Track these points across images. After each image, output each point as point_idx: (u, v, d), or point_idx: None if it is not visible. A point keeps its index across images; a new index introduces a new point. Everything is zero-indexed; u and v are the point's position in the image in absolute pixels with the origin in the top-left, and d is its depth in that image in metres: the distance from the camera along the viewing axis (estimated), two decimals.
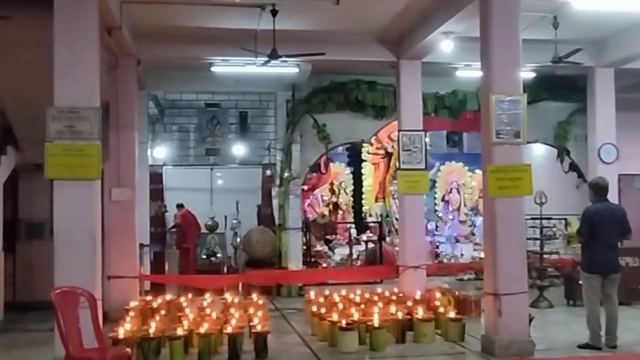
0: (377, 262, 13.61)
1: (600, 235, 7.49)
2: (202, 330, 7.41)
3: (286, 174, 12.98)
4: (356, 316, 8.07)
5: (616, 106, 12.42)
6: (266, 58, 9.30)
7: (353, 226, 15.57)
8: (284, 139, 13.18)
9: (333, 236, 15.33)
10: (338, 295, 9.67)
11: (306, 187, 14.59)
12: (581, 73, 12.37)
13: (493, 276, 7.38)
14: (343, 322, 7.78)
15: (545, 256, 11.12)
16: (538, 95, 13.47)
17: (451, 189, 16.79)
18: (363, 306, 8.96)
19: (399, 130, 10.94)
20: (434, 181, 16.26)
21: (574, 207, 12.17)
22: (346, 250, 14.31)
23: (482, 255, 9.37)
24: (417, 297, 9.46)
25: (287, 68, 10.82)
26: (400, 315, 8.26)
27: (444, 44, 9.73)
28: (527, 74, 11.26)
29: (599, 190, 7.75)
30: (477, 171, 15.55)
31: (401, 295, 9.93)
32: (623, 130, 12.83)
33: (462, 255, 15.06)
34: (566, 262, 11.51)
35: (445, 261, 14.71)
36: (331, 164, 15.89)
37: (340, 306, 8.88)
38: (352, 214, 16.37)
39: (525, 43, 7.74)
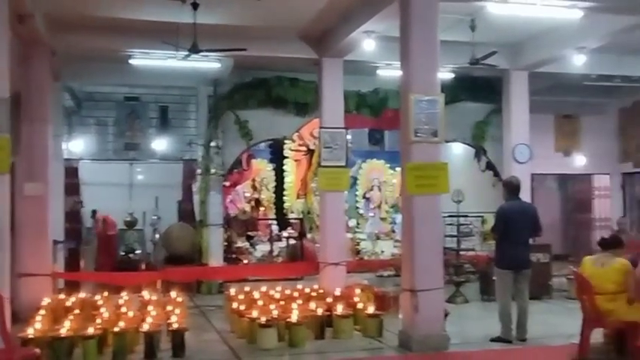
0: (298, 259, 13.65)
1: (513, 233, 7.75)
2: (117, 329, 7.23)
3: (213, 170, 12.80)
4: (275, 313, 8.06)
5: (530, 108, 12.85)
6: (187, 52, 9.15)
7: (275, 222, 15.56)
8: (205, 134, 13.00)
9: (255, 233, 15.26)
10: (258, 291, 9.63)
11: (227, 184, 14.47)
12: (498, 75, 12.75)
13: (410, 272, 7.52)
14: (262, 319, 7.76)
15: (461, 252, 11.44)
16: (457, 96, 13.74)
17: (372, 186, 16.98)
18: (282, 303, 8.96)
19: (321, 128, 10.99)
20: (355, 179, 16.42)
21: (490, 205, 12.49)
22: (267, 247, 14.29)
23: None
24: (337, 293, 9.52)
25: (208, 63, 10.67)
26: (320, 311, 8.31)
27: (365, 43, 9.83)
28: (445, 75, 11.50)
29: (511, 188, 8.02)
30: (398, 169, 15.67)
31: (321, 291, 9.98)
32: (536, 131, 13.32)
33: (382, 252, 15.23)
34: (482, 259, 11.85)
35: (366, 258, 14.88)
36: (253, 160, 15.82)
37: (260, 303, 8.85)
38: (274, 211, 16.36)
39: (444, 45, 7.92)
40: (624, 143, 15.45)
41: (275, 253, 14.30)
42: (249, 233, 15.15)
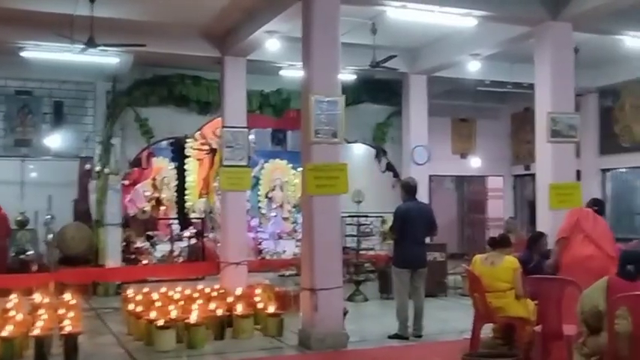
0: (199, 259, 13.47)
1: (410, 232, 7.98)
2: (5, 333, 6.90)
3: (106, 169, 12.42)
4: (174, 314, 7.93)
5: (429, 111, 13.26)
6: (83, 46, 8.85)
7: (176, 222, 15.29)
8: (103, 131, 12.61)
9: (155, 232, 14.93)
10: (157, 292, 9.44)
11: (127, 182, 14.09)
12: (398, 78, 13.07)
13: (310, 272, 7.59)
14: (160, 321, 7.61)
15: (361, 252, 11.64)
16: (359, 97, 14.04)
17: (275, 186, 16.97)
18: (182, 303, 8.82)
19: (223, 127, 10.91)
20: (258, 179, 16.38)
21: (390, 205, 12.69)
22: (168, 247, 14.03)
23: None
24: (238, 293, 9.47)
25: (106, 58, 10.37)
26: (220, 311, 8.23)
27: (269, 43, 9.84)
28: (347, 76, 11.69)
29: (408, 189, 8.25)
30: (300, 169, 15.88)
31: (222, 291, 9.90)
32: (435, 133, 13.76)
33: (284, 251, 15.26)
34: (381, 258, 12.10)
35: (268, 257, 14.87)
36: (154, 159, 15.50)
37: (159, 304, 8.68)
38: (175, 210, 16.08)
39: (345, 47, 8.04)
40: (516, 147, 16.23)
41: (176, 253, 14.05)
42: (149, 233, 14.81)
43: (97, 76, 12.48)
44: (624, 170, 14.32)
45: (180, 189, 16.24)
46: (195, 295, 9.53)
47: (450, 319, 9.24)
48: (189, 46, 10.87)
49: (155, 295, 9.26)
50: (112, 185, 12.59)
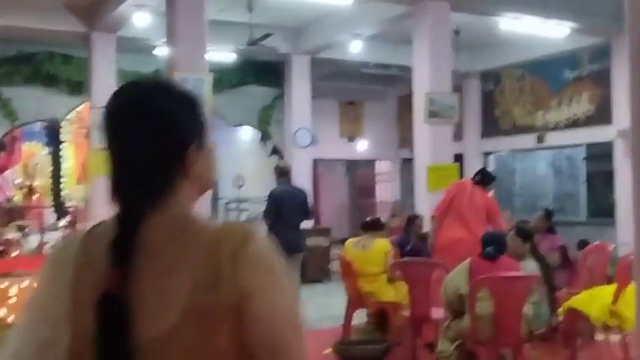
0: None
1: (284, 217, 7.64)
2: None
3: None
4: None
5: (314, 93, 12.99)
6: None
7: (52, 210, 14.36)
8: None
9: (26, 222, 13.95)
10: (17, 287, 8.68)
11: None
12: (282, 59, 12.72)
13: None
14: (11, 317, 6.94)
15: None
16: (243, 79, 13.60)
17: None
18: None
19: (91, 108, 10.21)
20: None
21: None
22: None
23: None
24: None
25: None
26: None
27: (137, 17, 9.23)
28: (226, 56, 11.25)
29: (281, 172, 7.93)
30: None
31: None
32: (321, 116, 13.53)
33: None
34: None
35: None
36: (25, 143, 14.47)
37: (14, 300, 7.95)
38: (52, 198, 15.12)
39: (222, 25, 7.61)
40: (403, 130, 16.25)
41: (50, 244, 13.17)
42: (20, 223, 13.81)
43: None
44: (504, 153, 14.63)
45: (56, 176, 15.27)
46: None
47: (330, 305, 8.99)
48: (53, 19, 10.05)
49: (13, 290, 8.51)
50: None
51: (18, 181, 14.61)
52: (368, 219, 7.00)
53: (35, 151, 14.96)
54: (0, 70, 11.69)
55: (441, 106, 8.92)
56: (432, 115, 8.87)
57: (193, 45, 7.22)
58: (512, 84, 13.91)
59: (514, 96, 13.86)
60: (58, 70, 12.05)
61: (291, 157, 12.11)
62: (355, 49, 11.06)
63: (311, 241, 10.30)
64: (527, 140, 13.48)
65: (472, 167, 14.19)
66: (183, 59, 7.17)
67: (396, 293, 6.38)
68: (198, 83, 7.14)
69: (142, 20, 9.30)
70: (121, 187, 1.32)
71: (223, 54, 11.34)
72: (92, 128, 10.13)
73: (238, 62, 12.52)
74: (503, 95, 14.14)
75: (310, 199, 8.14)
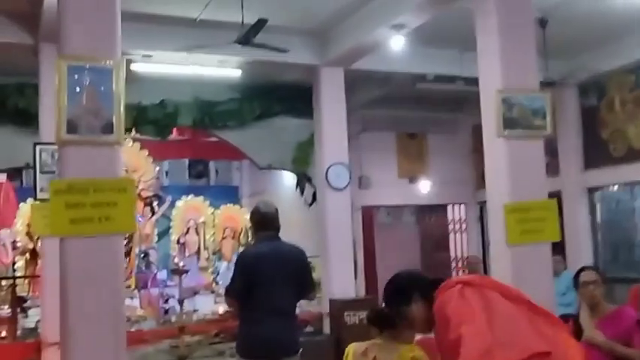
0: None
1: (263, 295, 4.55)
2: None
3: None
4: None
5: (364, 124, 10.76)
6: None
7: None
8: None
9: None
10: None
11: None
12: (309, 78, 9.85)
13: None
14: None
15: None
16: (269, 108, 11.26)
17: (188, 229, 13.70)
18: None
19: (35, 144, 7.52)
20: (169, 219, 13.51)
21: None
22: None
23: None
24: None
25: None
26: None
27: None
28: (230, 72, 8.53)
29: (260, 220, 4.82)
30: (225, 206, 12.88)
31: None
32: (371, 151, 10.64)
33: (195, 311, 11.91)
34: None
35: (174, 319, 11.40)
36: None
37: None
38: None
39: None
40: (480, 167, 13.02)
41: None
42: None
43: None
44: (616, 188, 11.06)
45: None
46: None
47: None
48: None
49: None
50: None
51: (20, 244, 12.26)
52: (374, 308, 3.79)
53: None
54: None
55: (523, 111, 5.71)
56: (510, 124, 5.67)
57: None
58: (624, 95, 10.37)
59: (627, 111, 10.32)
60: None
61: (324, 203, 9.10)
62: (397, 45, 7.89)
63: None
64: None
65: (573, 209, 10.75)
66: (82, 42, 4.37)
67: None
68: (102, 76, 4.26)
69: None
70: None
71: (226, 70, 8.71)
72: (37, 172, 7.41)
73: (259, 86, 9.90)
74: (611, 111, 10.61)
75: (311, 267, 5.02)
